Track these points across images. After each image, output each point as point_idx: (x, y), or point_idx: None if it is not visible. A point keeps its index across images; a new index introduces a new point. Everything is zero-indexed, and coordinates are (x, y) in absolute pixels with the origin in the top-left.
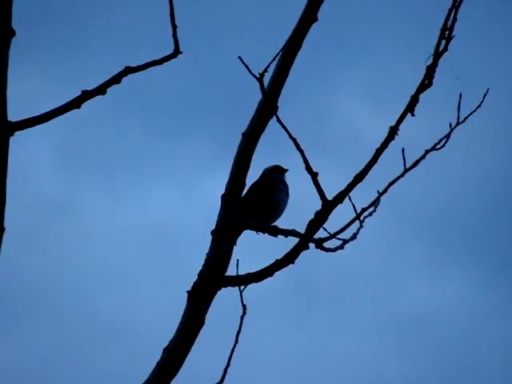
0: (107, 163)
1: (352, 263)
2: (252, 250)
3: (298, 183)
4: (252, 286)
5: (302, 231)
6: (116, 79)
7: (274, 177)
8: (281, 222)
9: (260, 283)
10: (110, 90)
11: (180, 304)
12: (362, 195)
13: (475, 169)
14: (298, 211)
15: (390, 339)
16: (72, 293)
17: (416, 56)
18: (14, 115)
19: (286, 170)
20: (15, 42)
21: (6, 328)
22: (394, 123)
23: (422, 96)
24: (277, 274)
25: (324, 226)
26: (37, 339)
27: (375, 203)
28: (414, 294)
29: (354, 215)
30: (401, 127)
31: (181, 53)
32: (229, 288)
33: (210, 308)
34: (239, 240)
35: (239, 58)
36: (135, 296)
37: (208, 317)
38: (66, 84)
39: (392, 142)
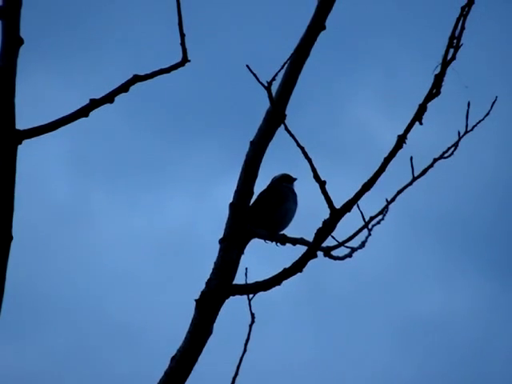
0: (119, 170)
1: (363, 270)
2: (260, 258)
3: (306, 191)
4: (263, 295)
5: (311, 240)
6: (124, 87)
7: (283, 186)
8: (289, 231)
9: (271, 291)
10: (122, 97)
11: (191, 311)
12: (370, 203)
13: (484, 177)
14: (306, 219)
15: (403, 345)
16: (84, 297)
17: (429, 61)
18: (24, 122)
19: (295, 179)
20: (25, 49)
21: (19, 332)
22: (402, 131)
23: (430, 105)
24: (288, 281)
25: (332, 234)
26: (49, 343)
27: (384, 211)
28: (426, 300)
29: (363, 223)
30: (409, 136)
31: (189, 61)
32: (237, 296)
33: (219, 316)
34: (247, 248)
35: (247, 66)
36: (147, 302)
37: (216, 325)
38: (76, 91)
39: (400, 151)
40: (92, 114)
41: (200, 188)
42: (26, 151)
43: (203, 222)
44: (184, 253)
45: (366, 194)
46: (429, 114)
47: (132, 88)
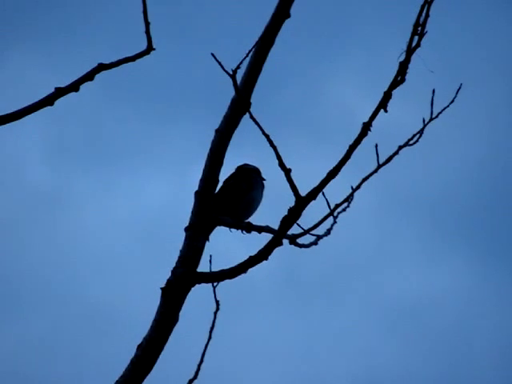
0: (99, 153)
1: (341, 255)
2: (225, 246)
3: (272, 179)
4: (237, 283)
5: (276, 228)
6: (89, 76)
7: (252, 175)
8: (254, 219)
9: (250, 279)
10: (93, 84)
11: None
12: (336, 191)
13: (449, 163)
14: (271, 207)
15: (385, 329)
16: (62, 280)
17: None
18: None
19: (264, 179)
20: None
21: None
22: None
23: (395, 92)
24: (266, 267)
25: (298, 222)
26: (27, 325)
27: (349, 199)
28: (406, 283)
29: (328, 211)
30: (374, 123)
31: (154, 49)
32: (203, 284)
33: (185, 304)
34: (212, 236)
35: (212, 54)
36: (124, 285)
37: (182, 313)
38: (47, 78)
39: (365, 138)
40: (69, 98)
41: (178, 172)
42: (3, 137)
43: (179, 206)
44: (160, 237)
45: (332, 182)
46: (394, 101)
47: (104, 75)
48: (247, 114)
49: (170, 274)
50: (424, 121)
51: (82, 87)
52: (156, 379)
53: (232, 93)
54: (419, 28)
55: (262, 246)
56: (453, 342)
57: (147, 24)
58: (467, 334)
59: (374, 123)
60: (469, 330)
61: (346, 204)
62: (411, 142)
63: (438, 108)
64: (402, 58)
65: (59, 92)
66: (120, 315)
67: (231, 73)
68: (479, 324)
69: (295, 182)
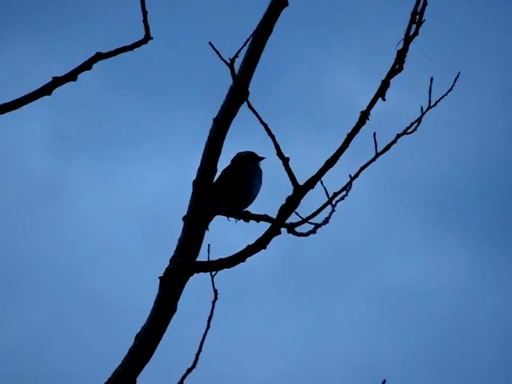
0: (97, 142)
1: (341, 242)
2: (224, 235)
3: (270, 167)
4: (237, 271)
5: (274, 216)
6: (87, 65)
7: (248, 165)
8: (253, 207)
9: (249, 267)
10: (94, 72)
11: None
12: (335, 179)
13: (447, 151)
14: (270, 196)
15: (384, 315)
16: (61, 269)
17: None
18: None
19: (262, 159)
20: None
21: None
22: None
23: (393, 80)
24: (267, 254)
25: (296, 210)
26: (27, 315)
27: (347, 187)
28: (406, 269)
29: (326, 199)
30: (372, 112)
31: (151, 38)
32: (201, 273)
33: (184, 294)
34: (211, 225)
35: (210, 43)
36: (124, 272)
37: (181, 302)
38: (44, 68)
39: (364, 127)
40: (67, 87)
41: (176, 161)
42: (2, 126)
43: (178, 195)
44: (159, 226)
45: (330, 170)
46: (392, 89)
47: (102, 64)
48: (245, 102)
49: (168, 263)
50: (422, 109)
51: (80, 76)
52: (154, 368)
53: (230, 82)
54: (417, 16)
55: (260, 235)
56: (454, 328)
57: (145, 13)
58: (468, 320)
59: (372, 112)
60: (470, 316)
61: (344, 192)
62: (409, 131)
63: (437, 96)
64: (400, 46)
65: (57, 81)
66: (118, 304)
67: (229, 62)
68: (480, 310)
69: (293, 170)
